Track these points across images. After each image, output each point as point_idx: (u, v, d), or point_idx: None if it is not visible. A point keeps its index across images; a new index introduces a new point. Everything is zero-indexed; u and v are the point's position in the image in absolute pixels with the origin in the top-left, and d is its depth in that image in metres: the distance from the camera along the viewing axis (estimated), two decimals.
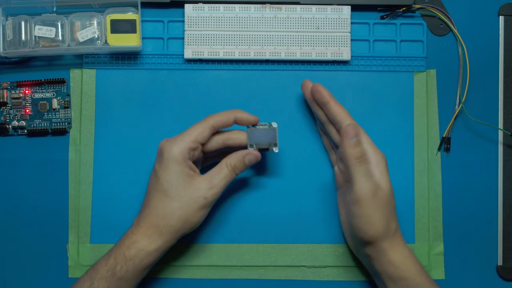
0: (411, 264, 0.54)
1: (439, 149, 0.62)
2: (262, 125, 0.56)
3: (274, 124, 0.57)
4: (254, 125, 0.56)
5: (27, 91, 0.62)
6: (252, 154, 0.55)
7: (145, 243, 0.54)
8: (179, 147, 0.53)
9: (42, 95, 0.62)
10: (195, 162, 0.56)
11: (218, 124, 0.55)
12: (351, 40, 0.62)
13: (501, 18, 0.63)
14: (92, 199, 0.61)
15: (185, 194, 0.53)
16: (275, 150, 0.56)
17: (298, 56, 0.61)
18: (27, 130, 0.61)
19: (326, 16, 0.61)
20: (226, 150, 0.58)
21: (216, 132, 0.56)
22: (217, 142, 0.56)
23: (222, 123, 0.55)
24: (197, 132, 0.54)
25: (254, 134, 0.56)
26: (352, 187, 0.53)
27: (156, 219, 0.54)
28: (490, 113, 0.62)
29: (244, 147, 0.56)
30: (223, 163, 0.55)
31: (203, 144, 0.55)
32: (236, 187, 0.61)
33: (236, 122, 0.56)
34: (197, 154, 0.55)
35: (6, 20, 0.60)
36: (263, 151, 0.57)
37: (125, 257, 0.53)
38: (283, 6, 0.61)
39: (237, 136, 0.56)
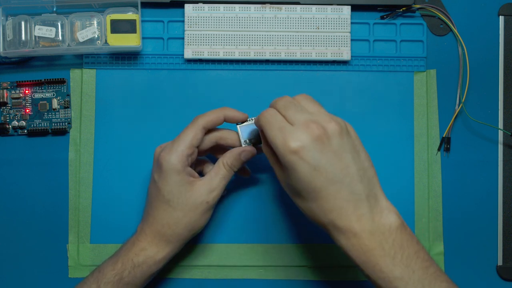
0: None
1: (439, 149, 0.62)
2: (249, 120, 0.56)
3: None
4: (242, 122, 0.56)
5: (27, 91, 0.62)
6: (247, 151, 0.55)
7: (153, 251, 0.54)
8: (177, 156, 0.52)
9: (42, 95, 0.62)
10: (192, 164, 0.56)
11: (208, 124, 0.54)
12: (351, 40, 0.62)
13: (501, 18, 0.63)
14: (92, 199, 0.61)
15: (188, 201, 0.53)
16: None
17: (298, 56, 0.61)
18: (27, 130, 0.61)
19: (326, 16, 0.61)
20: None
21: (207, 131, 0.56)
22: (210, 141, 0.56)
23: (212, 123, 0.54)
24: (190, 137, 0.53)
25: (244, 130, 0.56)
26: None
27: (162, 228, 0.54)
28: (490, 113, 0.63)
29: (236, 145, 0.56)
30: (220, 164, 0.55)
31: (197, 147, 0.55)
32: (236, 187, 0.61)
33: (226, 120, 0.55)
34: (194, 158, 0.55)
35: (6, 20, 0.60)
36: (257, 144, 0.56)
37: (133, 263, 0.53)
38: (283, 6, 0.61)
39: (229, 136, 0.56)
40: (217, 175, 0.54)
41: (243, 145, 0.56)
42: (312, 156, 0.46)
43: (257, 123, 0.51)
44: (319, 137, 0.46)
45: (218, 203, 0.61)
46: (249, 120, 0.56)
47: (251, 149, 0.55)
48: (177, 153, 0.53)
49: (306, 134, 0.46)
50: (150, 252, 0.54)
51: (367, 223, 0.47)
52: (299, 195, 0.48)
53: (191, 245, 0.61)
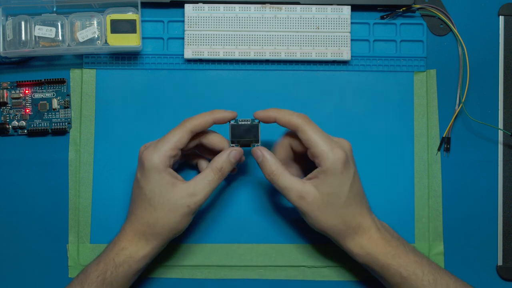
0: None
1: (439, 149, 0.62)
2: (243, 120, 0.56)
3: (256, 120, 0.56)
4: (235, 120, 0.56)
5: (27, 91, 0.62)
6: (236, 150, 0.55)
7: (133, 250, 0.54)
8: (159, 156, 0.52)
9: (42, 95, 0.62)
10: (174, 164, 0.55)
11: (196, 128, 0.54)
12: (351, 40, 0.62)
13: (501, 18, 0.63)
14: (92, 199, 0.61)
15: (168, 202, 0.53)
16: (256, 145, 0.56)
17: (298, 56, 0.61)
18: (27, 130, 0.61)
19: (326, 16, 0.61)
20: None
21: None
22: (193, 141, 0.56)
23: (200, 127, 0.54)
24: (176, 139, 0.53)
25: (236, 130, 0.55)
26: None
27: (142, 227, 0.54)
28: (490, 113, 0.63)
29: (218, 146, 0.56)
30: (208, 169, 0.54)
31: (182, 149, 0.54)
32: (236, 187, 0.61)
33: (216, 122, 0.55)
34: (177, 159, 0.55)
35: (6, 20, 0.60)
36: (245, 147, 0.56)
37: (114, 263, 0.53)
38: (283, 6, 0.61)
39: (213, 137, 0.56)
40: (203, 180, 0.54)
41: (230, 146, 0.55)
42: (353, 165, 0.54)
43: (299, 123, 0.53)
44: (350, 150, 0.55)
45: (218, 203, 0.61)
46: (240, 121, 0.55)
47: (239, 149, 0.55)
48: (160, 152, 0.53)
49: (345, 146, 0.54)
50: (129, 251, 0.54)
51: (378, 222, 0.56)
52: (329, 201, 0.53)
53: (191, 245, 0.61)
